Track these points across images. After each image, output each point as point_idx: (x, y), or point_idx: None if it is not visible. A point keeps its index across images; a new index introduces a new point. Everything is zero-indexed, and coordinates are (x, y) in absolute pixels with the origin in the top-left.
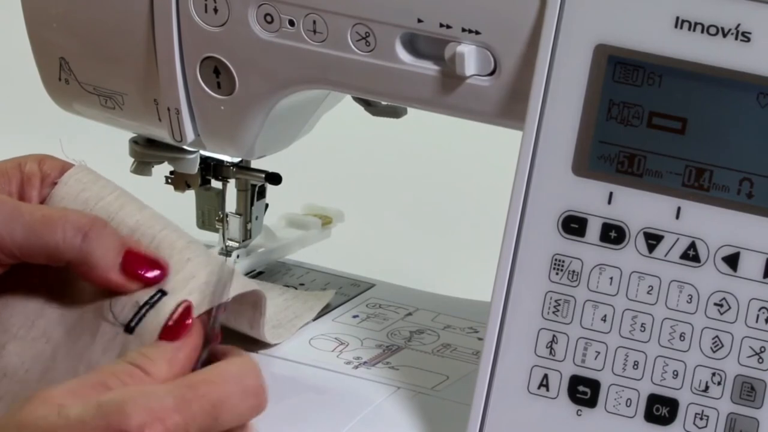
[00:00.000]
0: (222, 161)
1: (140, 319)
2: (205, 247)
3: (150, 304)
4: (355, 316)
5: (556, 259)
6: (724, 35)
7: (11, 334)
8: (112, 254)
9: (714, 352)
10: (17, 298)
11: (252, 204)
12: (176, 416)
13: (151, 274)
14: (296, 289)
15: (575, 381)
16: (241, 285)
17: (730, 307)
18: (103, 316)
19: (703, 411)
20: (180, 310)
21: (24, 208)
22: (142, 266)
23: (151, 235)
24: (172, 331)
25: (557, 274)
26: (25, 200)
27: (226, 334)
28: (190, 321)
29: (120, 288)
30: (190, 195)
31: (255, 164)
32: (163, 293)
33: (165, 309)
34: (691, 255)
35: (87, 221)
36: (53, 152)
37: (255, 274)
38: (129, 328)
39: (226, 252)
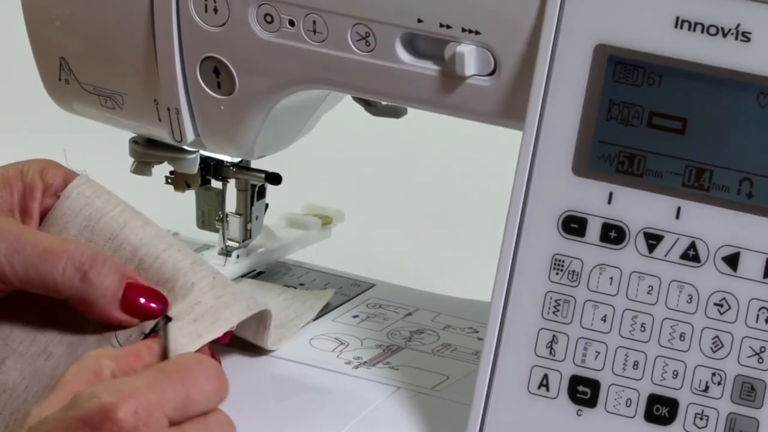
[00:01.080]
0: (222, 161)
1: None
2: (209, 266)
3: (155, 330)
4: (355, 316)
5: (556, 259)
6: (724, 35)
7: (11, 349)
8: (112, 291)
9: (714, 352)
10: (19, 313)
11: (252, 204)
12: (150, 394)
13: (150, 308)
14: (296, 288)
15: (575, 381)
16: (246, 308)
17: (730, 307)
18: (109, 341)
19: (703, 411)
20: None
21: (26, 239)
22: (143, 299)
23: (155, 255)
24: None
25: (557, 274)
26: (27, 212)
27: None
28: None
29: (120, 324)
30: (190, 195)
31: (255, 164)
32: (168, 319)
33: (170, 335)
34: (691, 255)
35: (86, 259)
36: (53, 153)
37: (255, 274)
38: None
39: (226, 252)
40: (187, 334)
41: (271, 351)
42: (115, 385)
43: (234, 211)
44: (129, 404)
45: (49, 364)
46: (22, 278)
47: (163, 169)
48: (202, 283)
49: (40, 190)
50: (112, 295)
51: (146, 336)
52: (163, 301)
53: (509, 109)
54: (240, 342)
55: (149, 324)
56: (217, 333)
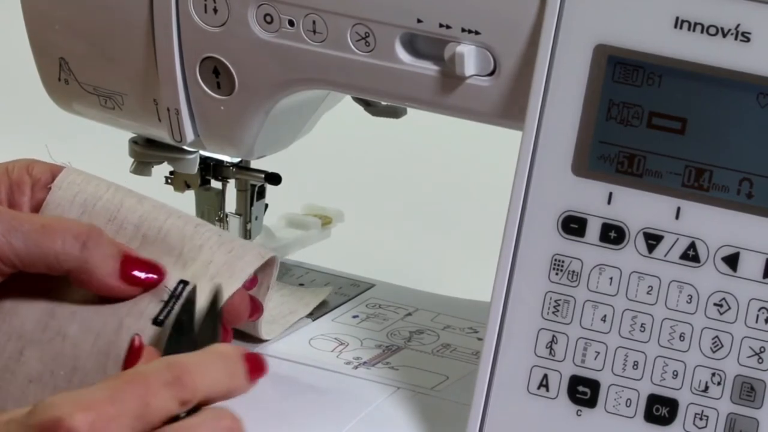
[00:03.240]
0: (222, 161)
1: (168, 312)
2: (213, 227)
3: (175, 296)
4: (354, 317)
5: (555, 259)
6: (724, 35)
7: (26, 340)
8: (111, 261)
9: (714, 352)
10: (26, 304)
11: (252, 204)
12: (109, 407)
13: (149, 278)
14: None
15: (575, 381)
16: (258, 256)
17: (729, 308)
18: (126, 313)
19: (702, 411)
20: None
21: (23, 218)
22: (140, 270)
23: (158, 227)
24: None
25: (557, 274)
26: (16, 206)
27: None
28: None
29: (120, 294)
30: (190, 195)
31: (255, 164)
32: (185, 283)
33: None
34: (690, 255)
35: (85, 230)
36: (53, 152)
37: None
38: (158, 321)
39: None
40: (209, 293)
41: (269, 348)
42: (74, 395)
43: (234, 212)
44: (86, 416)
45: (67, 345)
46: (22, 255)
47: (162, 169)
48: (210, 242)
49: (28, 186)
50: (112, 266)
51: (166, 303)
52: (159, 273)
53: (509, 109)
54: (238, 334)
55: (167, 291)
56: (236, 285)
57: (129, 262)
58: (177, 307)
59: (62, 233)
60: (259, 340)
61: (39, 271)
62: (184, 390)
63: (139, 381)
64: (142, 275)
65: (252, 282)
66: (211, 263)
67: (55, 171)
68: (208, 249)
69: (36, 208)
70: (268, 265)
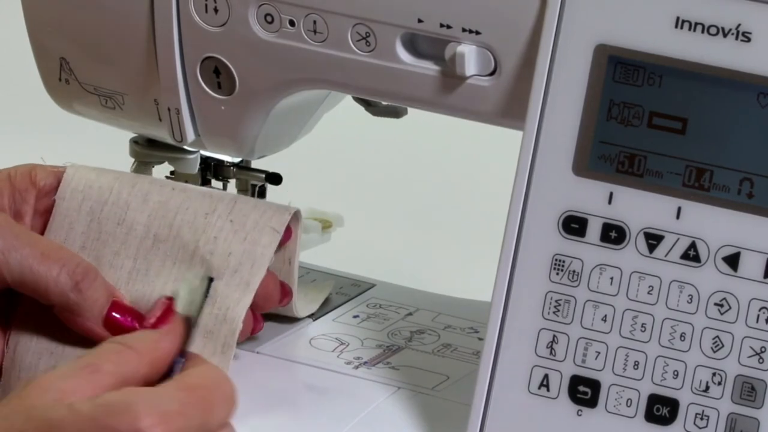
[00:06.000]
0: (222, 161)
1: (199, 311)
2: (222, 210)
3: (203, 295)
4: (355, 316)
5: (556, 259)
6: (724, 35)
7: (57, 355)
8: (99, 306)
9: (714, 352)
10: (51, 320)
11: None
12: (179, 419)
13: (133, 327)
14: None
15: (576, 381)
16: (273, 234)
17: (730, 307)
18: None
19: (703, 411)
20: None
21: (25, 239)
22: (126, 319)
23: (168, 224)
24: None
25: (557, 274)
26: (19, 215)
27: None
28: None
29: (100, 338)
30: None
31: (255, 164)
32: (211, 279)
33: (216, 295)
34: (691, 255)
35: (81, 270)
36: (53, 153)
37: None
38: (189, 321)
39: None
40: (235, 288)
41: (269, 348)
42: (150, 400)
43: None
44: (159, 429)
45: None
46: (16, 276)
47: (163, 169)
48: (223, 233)
49: (32, 194)
50: (99, 310)
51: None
52: (145, 322)
53: (509, 109)
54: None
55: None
56: (261, 274)
57: (116, 309)
58: (205, 306)
59: (59, 267)
60: (258, 343)
61: (27, 294)
62: (235, 408)
63: (204, 396)
64: (126, 324)
65: (287, 235)
66: (231, 255)
67: (57, 173)
68: (223, 240)
69: (39, 215)
70: (293, 218)
